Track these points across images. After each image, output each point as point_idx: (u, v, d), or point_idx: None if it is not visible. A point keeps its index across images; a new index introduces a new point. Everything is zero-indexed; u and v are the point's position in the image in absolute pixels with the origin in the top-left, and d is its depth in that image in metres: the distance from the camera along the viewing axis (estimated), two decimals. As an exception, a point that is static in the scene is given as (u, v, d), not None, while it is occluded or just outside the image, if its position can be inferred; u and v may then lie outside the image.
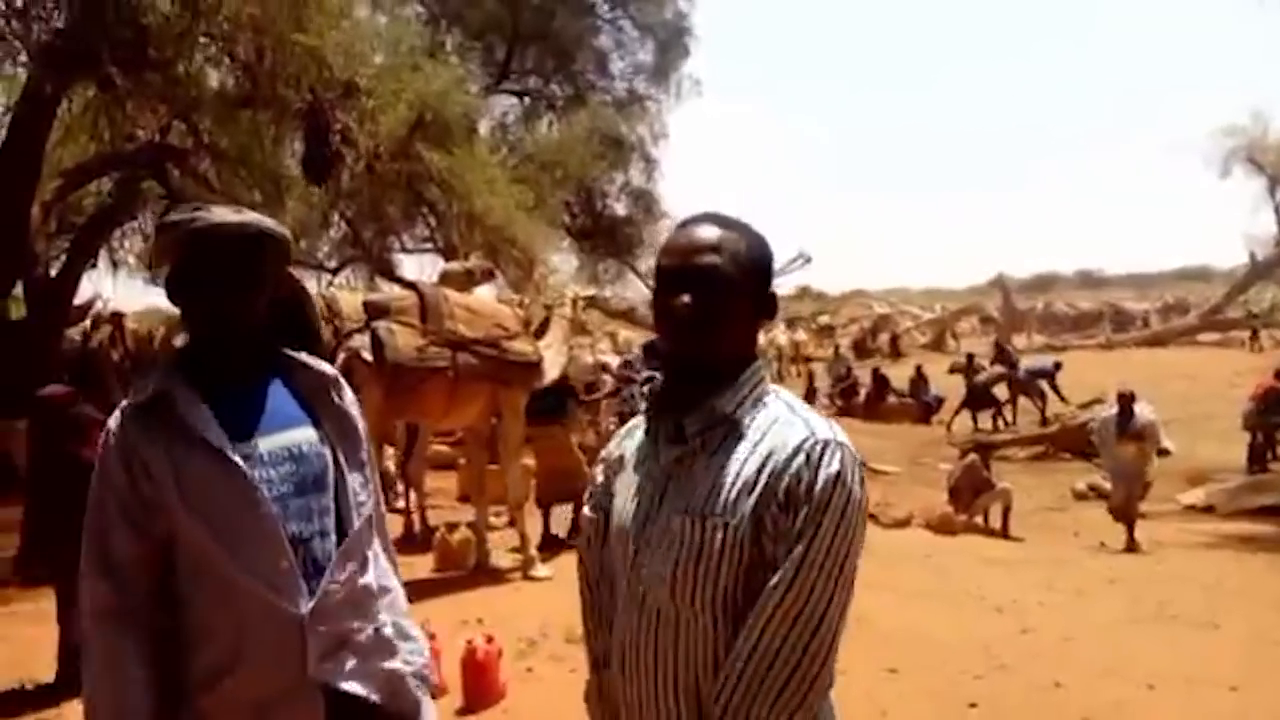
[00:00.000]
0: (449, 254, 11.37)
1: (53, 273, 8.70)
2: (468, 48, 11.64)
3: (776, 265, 1.26)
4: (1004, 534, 7.73)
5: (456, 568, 5.57)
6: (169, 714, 1.32)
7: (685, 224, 1.23)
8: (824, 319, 32.04)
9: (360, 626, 1.40)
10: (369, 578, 1.43)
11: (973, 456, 8.37)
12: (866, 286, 50.38)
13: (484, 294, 6.05)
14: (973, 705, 3.59)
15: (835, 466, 1.10)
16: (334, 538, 1.39)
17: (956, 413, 14.29)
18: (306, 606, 1.33)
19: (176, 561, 1.34)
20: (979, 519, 7.93)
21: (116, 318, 11.33)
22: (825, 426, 1.16)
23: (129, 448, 1.33)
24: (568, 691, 3.78)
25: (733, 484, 1.13)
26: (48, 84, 6.65)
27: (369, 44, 8.91)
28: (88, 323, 10.87)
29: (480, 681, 3.67)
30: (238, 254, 1.35)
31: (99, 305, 11.11)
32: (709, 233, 1.18)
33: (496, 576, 5.47)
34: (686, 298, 1.15)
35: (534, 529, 6.04)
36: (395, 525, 5.87)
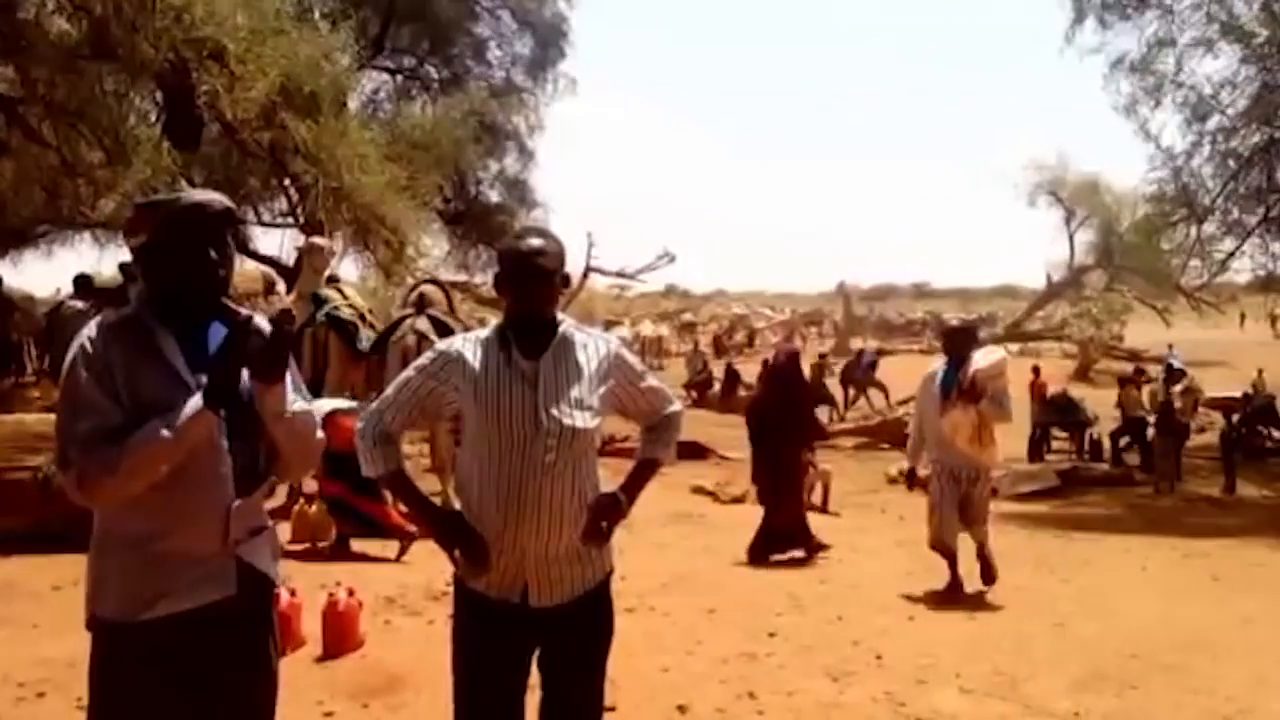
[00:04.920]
0: (312, 230, 11.14)
1: None
2: (342, 15, 11.37)
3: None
4: (823, 509, 8.69)
5: (314, 539, 5.61)
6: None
7: (522, 235, 2.04)
8: (686, 316, 33.38)
9: (263, 522, 1.85)
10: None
11: (800, 441, 9.33)
12: (727, 287, 52.65)
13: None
14: (772, 634, 4.34)
15: (631, 356, 2.18)
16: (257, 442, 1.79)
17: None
18: (233, 499, 1.73)
19: None
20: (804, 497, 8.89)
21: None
22: (607, 336, 2.20)
23: (95, 353, 1.65)
24: (423, 640, 4.22)
25: (591, 372, 2.03)
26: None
27: (232, 4, 8.64)
28: None
29: (340, 631, 3.86)
30: (211, 229, 1.71)
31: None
32: (539, 242, 1.99)
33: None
34: (535, 282, 1.95)
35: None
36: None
